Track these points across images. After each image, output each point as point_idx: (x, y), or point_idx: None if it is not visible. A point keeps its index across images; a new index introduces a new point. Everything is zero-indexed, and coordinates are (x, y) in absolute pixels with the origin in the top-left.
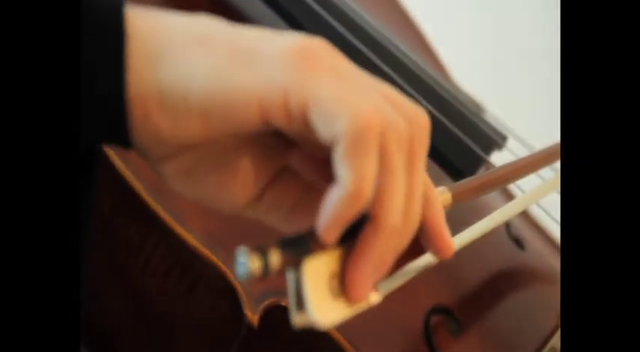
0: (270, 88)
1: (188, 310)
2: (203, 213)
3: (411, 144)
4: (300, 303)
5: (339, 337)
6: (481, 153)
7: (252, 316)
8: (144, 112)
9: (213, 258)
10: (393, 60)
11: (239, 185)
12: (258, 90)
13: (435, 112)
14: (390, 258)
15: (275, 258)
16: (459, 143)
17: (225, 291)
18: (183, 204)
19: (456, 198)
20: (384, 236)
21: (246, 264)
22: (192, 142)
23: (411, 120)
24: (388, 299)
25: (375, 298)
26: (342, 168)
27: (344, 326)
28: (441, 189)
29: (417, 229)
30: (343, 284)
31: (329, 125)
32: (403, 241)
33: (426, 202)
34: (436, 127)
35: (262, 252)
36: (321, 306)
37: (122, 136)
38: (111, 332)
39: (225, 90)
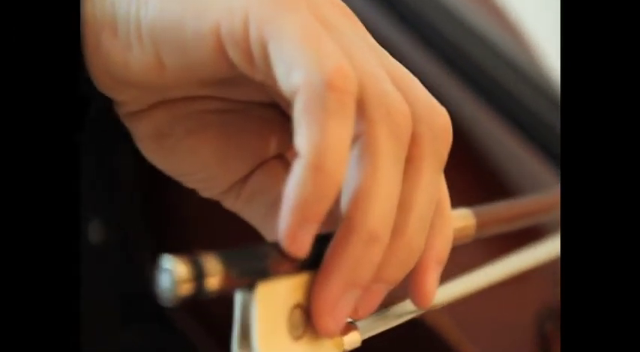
0: (229, 12)
1: None
2: None
3: (419, 142)
4: (246, 337)
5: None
6: None
7: None
8: (96, 40)
9: None
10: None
11: (220, 159)
12: (215, 13)
13: None
14: (366, 275)
15: (212, 267)
16: None
17: None
18: None
19: (481, 228)
20: (357, 243)
21: (172, 272)
22: (150, 83)
23: (422, 117)
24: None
25: (352, 339)
26: (297, 131)
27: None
28: (464, 212)
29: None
30: (308, 317)
31: (287, 73)
32: (393, 262)
33: (432, 224)
34: None
35: (195, 260)
36: (272, 346)
37: (79, 68)
38: None
39: (179, 12)
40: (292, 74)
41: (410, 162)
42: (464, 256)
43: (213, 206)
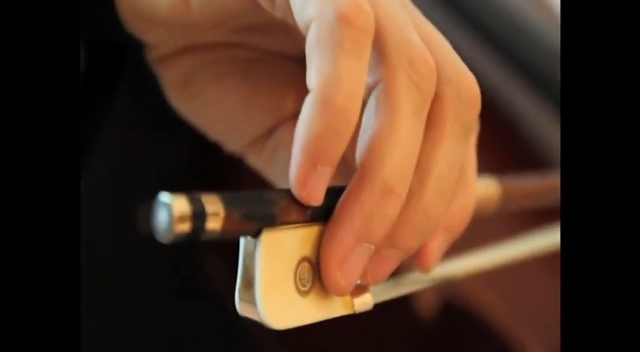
0: None
1: None
2: None
3: (442, 103)
4: (248, 287)
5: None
6: None
7: None
8: None
9: None
10: None
11: (244, 109)
12: None
13: None
14: (379, 230)
15: (214, 207)
16: None
17: None
18: None
19: (506, 199)
20: (371, 193)
21: (171, 207)
22: (176, 20)
23: (449, 78)
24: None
25: (363, 301)
26: (308, 65)
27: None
28: (488, 181)
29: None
30: (317, 273)
31: (302, 5)
32: (408, 227)
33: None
34: None
35: (196, 198)
36: (276, 298)
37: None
38: None
39: None
40: (306, 6)
41: (431, 123)
42: (492, 229)
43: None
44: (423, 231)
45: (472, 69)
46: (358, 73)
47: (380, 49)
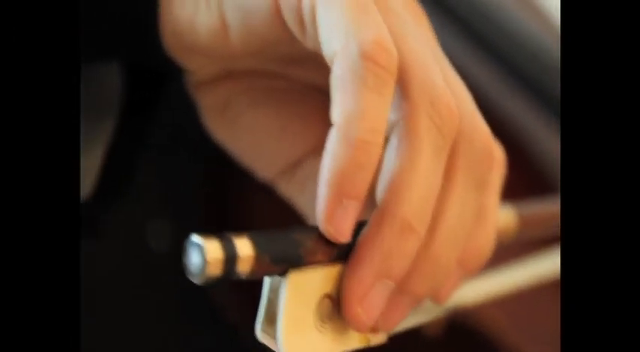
0: None
1: None
2: None
3: (455, 152)
4: (271, 322)
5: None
6: None
7: None
8: (167, 6)
9: None
10: None
11: (277, 137)
12: None
13: None
14: (399, 267)
15: (245, 250)
16: None
17: None
18: None
19: (524, 227)
20: (390, 231)
21: (204, 250)
22: (215, 48)
23: (464, 130)
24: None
25: (378, 337)
26: (333, 100)
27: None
28: (506, 211)
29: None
30: (337, 308)
31: (328, 39)
32: (418, 273)
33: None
34: None
35: (228, 240)
36: (296, 335)
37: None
38: None
39: None
40: (332, 40)
41: (444, 171)
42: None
43: (281, 216)
44: (434, 278)
45: (473, 83)
46: (380, 109)
47: (403, 87)
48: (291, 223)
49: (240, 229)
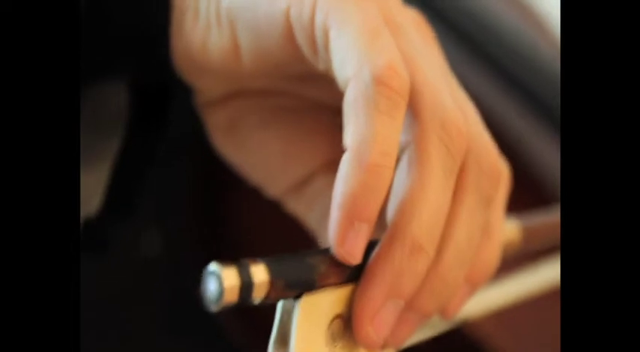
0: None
1: None
2: None
3: (463, 172)
4: (283, 344)
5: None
6: None
7: None
8: (179, 25)
9: None
10: None
11: (286, 155)
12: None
13: None
14: (409, 286)
15: (260, 277)
16: None
17: None
18: None
19: (528, 240)
20: (400, 251)
21: (221, 278)
22: (226, 67)
23: (471, 150)
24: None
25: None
26: (345, 124)
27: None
28: (511, 224)
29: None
30: (348, 328)
31: (341, 63)
32: (426, 290)
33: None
34: None
35: (242, 267)
36: None
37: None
38: None
39: None
40: (345, 65)
41: (453, 191)
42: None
43: (269, 225)
44: (441, 296)
45: (472, 94)
46: (392, 132)
47: (414, 109)
48: (288, 234)
49: (237, 241)
